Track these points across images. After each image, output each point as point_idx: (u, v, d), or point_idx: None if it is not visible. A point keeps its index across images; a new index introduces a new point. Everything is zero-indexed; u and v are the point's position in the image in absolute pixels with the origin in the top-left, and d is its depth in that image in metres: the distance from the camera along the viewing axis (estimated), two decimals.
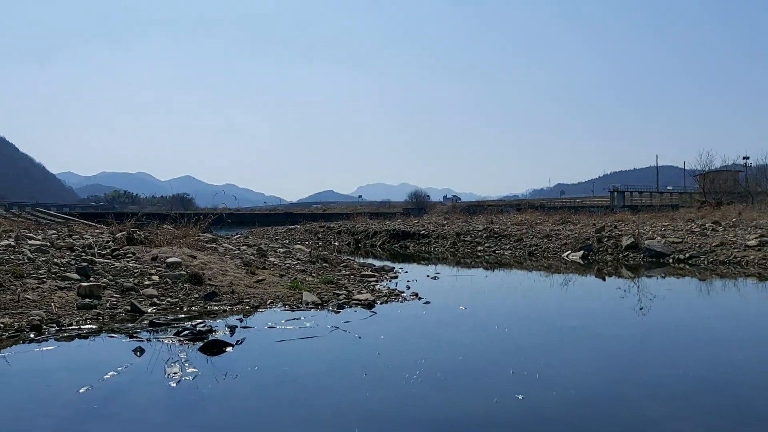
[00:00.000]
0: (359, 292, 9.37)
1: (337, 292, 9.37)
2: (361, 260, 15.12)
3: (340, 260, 12.94)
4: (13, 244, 9.99)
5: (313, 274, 10.78)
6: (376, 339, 6.63)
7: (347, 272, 11.53)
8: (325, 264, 11.92)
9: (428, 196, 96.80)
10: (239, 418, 4.18)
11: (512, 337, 6.98)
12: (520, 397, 4.50)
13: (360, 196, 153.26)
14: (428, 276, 12.58)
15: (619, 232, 17.71)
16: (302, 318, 7.52)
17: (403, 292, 9.73)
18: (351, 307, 8.42)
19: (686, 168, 73.90)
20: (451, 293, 10.60)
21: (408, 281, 11.29)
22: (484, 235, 20.44)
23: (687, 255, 14.92)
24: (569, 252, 16.96)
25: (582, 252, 16.47)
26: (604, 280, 12.98)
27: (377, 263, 14.59)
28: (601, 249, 16.56)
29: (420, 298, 9.24)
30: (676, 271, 13.58)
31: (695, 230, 17.61)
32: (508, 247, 18.98)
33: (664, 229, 18.37)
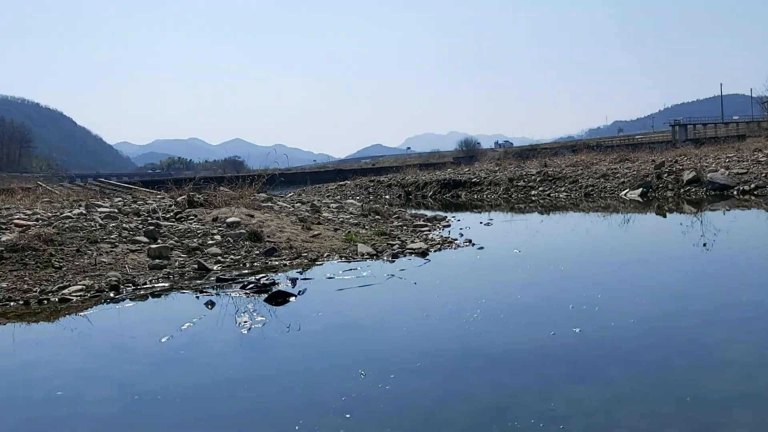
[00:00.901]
0: (412, 242, 9.55)
1: (391, 242, 9.57)
2: (413, 211, 15.27)
3: (392, 212, 13.13)
4: (84, 212, 10.56)
5: (367, 227, 11.01)
6: (432, 284, 6.82)
7: (400, 223, 11.72)
8: (377, 216, 12.13)
9: (479, 143, 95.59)
10: (308, 359, 4.46)
11: (570, 276, 7.05)
12: (576, 330, 4.62)
13: (408, 148, 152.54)
14: (481, 223, 12.65)
15: (680, 167, 17.22)
16: (359, 268, 7.76)
17: (456, 240, 9.86)
18: (405, 256, 8.61)
19: (753, 95, 70.32)
20: (505, 238, 10.67)
21: (461, 229, 11.39)
22: (538, 179, 20.23)
23: (752, 186, 14.45)
24: (627, 190, 16.66)
25: (641, 189, 16.16)
26: (664, 216, 12.77)
27: (429, 213, 14.72)
28: (660, 185, 16.19)
29: (473, 244, 9.36)
30: (741, 203, 13.22)
31: (761, 160, 16.95)
32: (563, 189, 18.77)
33: (729, 161, 17.75)
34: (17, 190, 17.91)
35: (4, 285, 6.98)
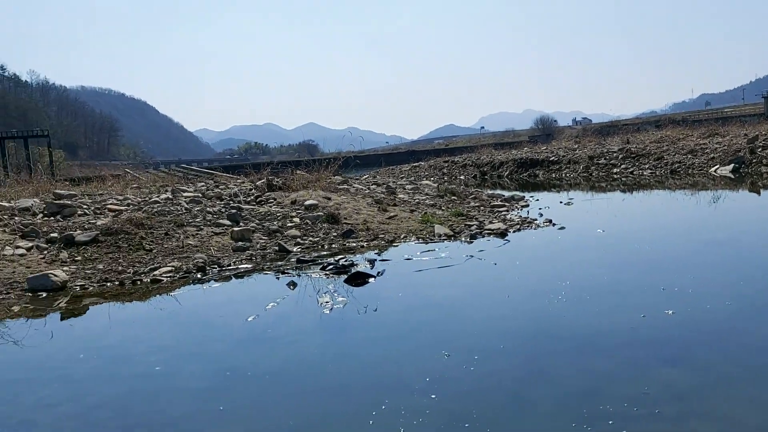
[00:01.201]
0: (490, 222, 9.41)
1: (468, 223, 9.47)
2: (489, 192, 15.05)
3: (469, 193, 12.99)
4: (170, 197, 11.02)
5: (443, 208, 10.94)
6: (512, 265, 6.70)
7: (476, 204, 11.58)
8: (453, 197, 12.03)
9: (555, 121, 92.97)
10: (390, 339, 4.48)
11: (658, 257, 6.75)
12: (669, 312, 4.42)
13: (482, 128, 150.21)
14: (561, 202, 12.31)
15: None
16: (436, 249, 7.73)
17: (535, 220, 9.64)
18: (483, 236, 8.50)
19: None
20: (587, 218, 10.35)
21: (540, 209, 11.13)
22: (620, 156, 19.47)
23: None
24: (717, 167, 15.78)
25: (732, 165, 15.27)
26: (759, 193, 12.02)
27: (506, 193, 14.47)
28: (754, 161, 15.24)
29: (554, 224, 9.12)
30: None
31: None
32: (647, 166, 17.99)
33: None
34: (108, 177, 18.87)
35: (100, 266, 7.39)
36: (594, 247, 7.57)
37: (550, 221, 9.36)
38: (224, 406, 3.44)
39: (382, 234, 8.82)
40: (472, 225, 9.25)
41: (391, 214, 9.94)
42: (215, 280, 6.77)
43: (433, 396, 3.34)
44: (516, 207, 11.55)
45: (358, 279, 6.27)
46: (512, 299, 5.19)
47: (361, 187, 12.55)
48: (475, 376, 3.59)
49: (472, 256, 7.13)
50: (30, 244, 7.99)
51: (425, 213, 10.18)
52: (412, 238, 8.57)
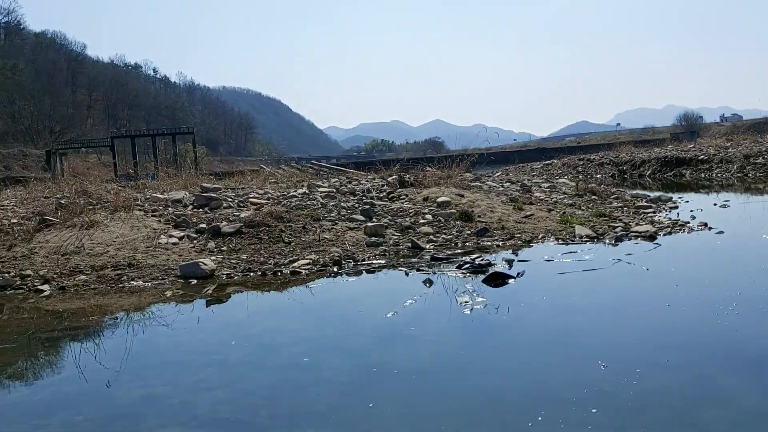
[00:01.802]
0: (637, 224, 8.79)
1: (612, 224, 8.91)
2: (631, 192, 14.14)
3: (610, 192, 12.27)
4: (306, 192, 11.35)
5: (582, 208, 10.40)
6: (667, 271, 6.17)
7: (619, 204, 10.89)
8: (593, 197, 11.41)
9: (701, 117, 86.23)
10: (536, 344, 4.25)
11: None
12: None
13: (618, 125, 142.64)
14: (715, 204, 11.28)
15: None
16: (579, 251, 7.32)
17: (688, 223, 8.87)
18: (630, 239, 7.95)
19: None
20: (748, 221, 9.39)
21: (691, 211, 10.25)
22: None
23: None
24: None
25: None
26: None
27: (650, 194, 13.52)
28: None
29: (710, 228, 8.35)
30: None
31: None
32: None
33: None
34: (246, 172, 19.88)
35: (244, 257, 7.72)
36: (763, 255, 6.81)
37: (705, 224, 8.57)
38: (371, 402, 3.39)
39: (519, 233, 8.51)
40: (617, 226, 8.68)
41: (528, 212, 9.58)
42: (349, 274, 6.84)
43: (593, 410, 3.09)
44: (663, 208, 10.73)
45: (497, 279, 6.05)
46: (673, 309, 4.74)
47: (494, 184, 12.24)
48: (638, 392, 3.28)
49: (619, 260, 6.66)
50: (182, 234, 8.53)
51: (564, 212, 9.71)
52: (551, 239, 8.19)
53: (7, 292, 6.78)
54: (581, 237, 8.14)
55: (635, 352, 3.92)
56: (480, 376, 3.72)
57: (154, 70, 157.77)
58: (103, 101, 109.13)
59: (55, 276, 7.17)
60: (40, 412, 3.52)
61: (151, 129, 78.52)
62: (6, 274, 7.18)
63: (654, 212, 10.12)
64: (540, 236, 8.35)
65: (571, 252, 7.30)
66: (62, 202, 9.76)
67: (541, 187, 12.37)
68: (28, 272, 7.24)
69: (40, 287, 6.85)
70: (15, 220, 9.21)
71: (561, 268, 6.49)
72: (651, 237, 7.94)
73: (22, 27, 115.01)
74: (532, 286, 5.83)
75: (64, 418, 3.41)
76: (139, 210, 9.59)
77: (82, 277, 7.16)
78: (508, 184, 12.49)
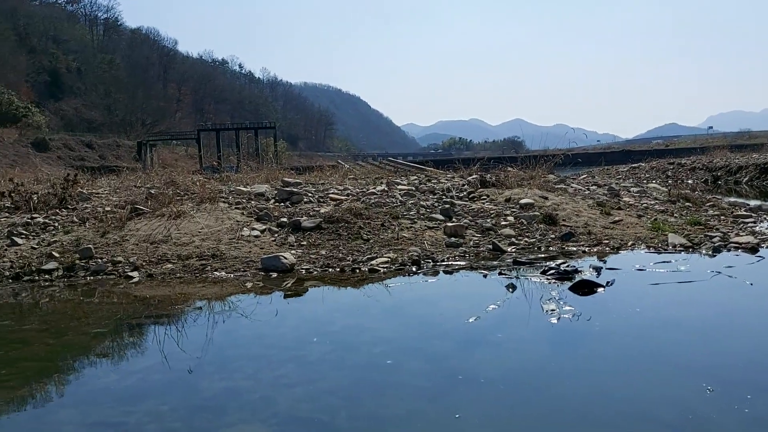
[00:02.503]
0: (737, 234, 8.21)
1: (709, 234, 8.35)
2: (726, 199, 13.29)
3: (705, 199, 11.56)
4: (385, 189, 11.30)
5: (675, 215, 9.83)
6: None
7: (715, 212, 10.23)
8: (687, 203, 10.78)
9: None
10: (628, 360, 3.99)
11: None
12: None
13: (710, 128, 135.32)
14: None
15: None
16: (673, 261, 6.90)
17: None
18: (729, 250, 7.43)
19: None
20: None
21: None
22: None
23: None
24: None
25: None
26: None
27: (750, 202, 12.65)
28: None
29: None
30: None
31: None
32: None
33: None
34: (325, 167, 20.09)
35: (323, 252, 7.74)
36: None
37: None
38: (455, 410, 3.26)
39: (606, 239, 8.12)
40: (714, 236, 8.13)
41: (616, 218, 9.14)
42: (430, 274, 6.71)
43: None
44: (765, 219, 9.99)
45: (585, 287, 5.77)
46: None
47: (579, 187, 11.78)
48: (750, 421, 2.99)
49: (719, 273, 6.21)
50: (263, 227, 8.65)
51: (655, 219, 9.21)
52: (642, 247, 7.77)
53: (100, 277, 7.07)
54: (675, 246, 7.68)
55: (744, 375, 3.60)
56: (570, 390, 3.51)
57: (240, 66, 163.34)
58: (191, 95, 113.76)
59: (143, 263, 7.43)
60: (127, 399, 3.59)
61: (235, 123, 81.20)
62: (99, 260, 7.50)
63: (754, 222, 9.43)
64: (629, 243, 7.94)
65: (664, 261, 6.89)
66: (152, 192, 10.13)
67: (629, 191, 11.80)
68: (120, 259, 7.53)
69: (130, 273, 7.12)
70: (109, 208, 9.64)
71: (654, 278, 6.12)
72: (753, 249, 7.39)
73: (119, 23, 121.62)
74: (623, 297, 5.52)
75: (150, 406, 3.46)
76: (224, 202, 9.82)
77: (169, 265, 7.39)
78: (594, 187, 11.99)
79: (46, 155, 56.52)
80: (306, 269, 7.07)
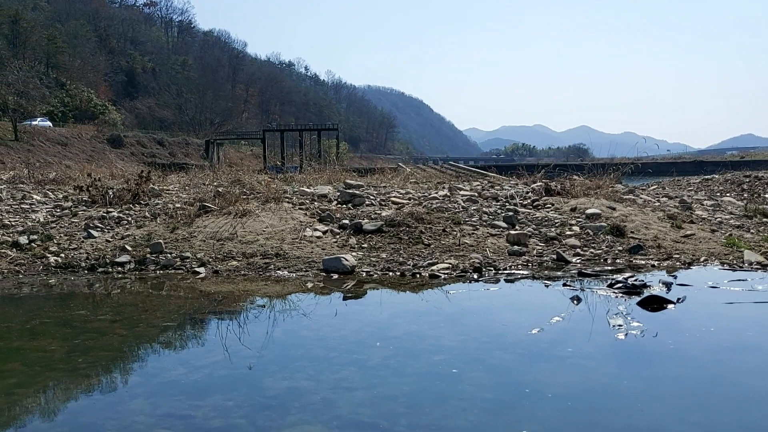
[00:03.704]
0: None
1: None
2: None
3: None
4: (447, 194, 11.25)
5: (751, 231, 9.36)
6: None
7: None
8: (765, 219, 10.25)
9: None
10: (705, 384, 3.82)
11: None
12: None
13: None
14: None
15: None
16: (749, 279, 6.58)
17: None
18: None
19: None
20: None
21: None
22: None
23: None
24: None
25: None
26: None
27: None
28: None
29: None
30: None
31: None
32: None
33: None
34: (386, 170, 20.14)
35: (383, 256, 7.77)
36: None
37: None
38: (519, 426, 3.20)
39: (677, 254, 7.82)
40: None
41: (688, 231, 8.79)
42: (491, 282, 6.63)
43: None
44: None
45: (654, 303, 5.57)
46: None
47: (649, 198, 11.39)
48: None
49: None
50: (326, 228, 8.76)
51: (730, 235, 8.80)
52: (715, 263, 7.44)
53: (169, 271, 7.32)
54: (751, 263, 7.32)
55: None
56: (637, 411, 3.39)
57: (306, 69, 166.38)
58: (258, 96, 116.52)
59: (210, 260, 7.64)
60: (195, 393, 3.69)
61: (299, 124, 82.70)
62: (168, 255, 7.76)
63: None
64: (702, 259, 7.62)
65: (739, 279, 6.57)
66: (220, 190, 10.42)
67: (702, 204, 11.33)
68: (188, 254, 7.78)
69: (197, 269, 7.33)
70: (179, 205, 9.97)
71: (728, 297, 5.85)
72: None
73: (192, 26, 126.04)
74: (695, 315, 5.30)
75: (216, 401, 3.55)
76: (288, 202, 10.00)
77: (234, 262, 7.57)
78: (665, 199, 11.57)
79: (120, 151, 59.02)
80: (366, 272, 7.11)
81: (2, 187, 13.04)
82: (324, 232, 8.62)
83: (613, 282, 6.34)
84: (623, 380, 3.90)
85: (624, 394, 3.65)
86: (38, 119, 54.48)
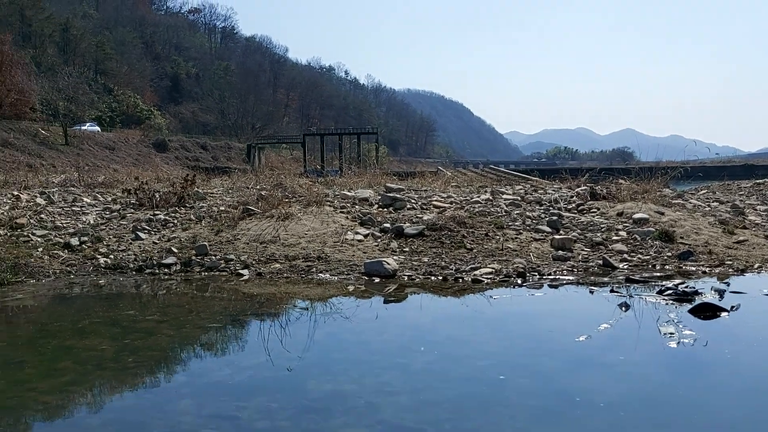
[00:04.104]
0: None
1: None
2: None
3: None
4: (490, 198, 11.13)
5: None
6: None
7: None
8: None
9: None
10: (757, 392, 3.66)
11: None
12: None
13: None
14: None
15: None
16: None
17: None
18: None
19: None
20: None
21: None
22: None
23: None
24: None
25: None
26: None
27: None
28: None
29: None
30: None
31: None
32: None
33: None
34: (426, 174, 20.08)
35: (425, 260, 7.72)
36: None
37: None
38: None
39: (729, 260, 7.57)
40: None
41: (740, 237, 8.50)
42: (535, 288, 6.52)
43: None
44: None
45: (706, 311, 5.39)
46: None
47: (698, 203, 11.07)
48: None
49: None
50: (367, 232, 8.76)
51: None
52: None
53: (213, 273, 7.43)
54: None
55: None
56: (692, 424, 3.27)
57: (346, 73, 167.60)
58: (298, 101, 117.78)
59: (253, 262, 7.73)
60: (240, 395, 3.72)
61: (339, 128, 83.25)
62: (213, 257, 7.88)
63: None
64: (756, 266, 7.36)
65: None
66: (263, 194, 10.54)
67: (755, 209, 10.95)
68: (232, 257, 7.88)
69: (241, 271, 7.42)
70: (223, 208, 10.13)
71: None
72: None
73: (235, 32, 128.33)
74: (751, 324, 5.11)
75: (261, 403, 3.57)
76: (329, 206, 10.04)
77: (277, 265, 7.64)
78: (715, 203, 11.23)
79: (164, 155, 60.39)
80: (408, 276, 7.08)
81: (54, 190, 13.48)
82: (365, 236, 8.62)
83: (662, 289, 6.16)
84: (678, 390, 3.77)
85: (680, 404, 3.52)
86: (87, 124, 56.21)
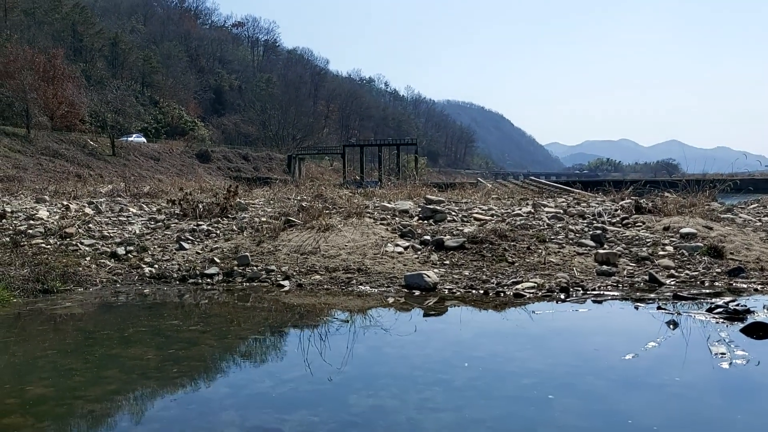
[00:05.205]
0: None
1: None
2: None
3: None
4: (531, 211, 10.99)
5: None
6: None
7: None
8: None
9: None
10: None
11: None
12: None
13: None
14: None
15: None
16: None
17: None
18: None
19: None
20: None
21: None
22: None
23: None
24: None
25: None
26: None
27: None
28: None
29: None
30: None
31: None
32: None
33: None
34: (466, 185, 19.96)
35: (466, 273, 7.65)
36: None
37: None
38: None
39: None
40: None
41: None
42: (578, 303, 6.39)
43: None
44: None
45: (759, 331, 5.18)
46: None
47: (749, 217, 10.72)
48: None
49: None
50: (407, 244, 8.74)
51: None
52: None
53: (254, 284, 7.50)
54: None
55: None
56: None
57: (386, 84, 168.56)
58: (338, 112, 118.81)
59: (294, 273, 7.78)
60: (282, 407, 3.73)
61: (378, 139, 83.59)
62: (255, 267, 7.96)
63: None
64: None
65: None
66: (303, 205, 10.62)
67: None
68: (273, 267, 7.95)
69: (281, 282, 7.48)
70: (264, 219, 10.24)
71: None
72: None
73: (277, 45, 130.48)
74: None
75: (303, 416, 3.57)
76: (369, 217, 10.06)
77: (317, 276, 7.67)
78: (767, 218, 10.85)
79: (207, 166, 61.60)
80: (449, 289, 7.02)
81: (102, 200, 13.86)
82: (405, 248, 8.60)
83: (712, 306, 5.96)
84: (729, 414, 3.63)
85: (731, 429, 3.38)
86: (134, 135, 57.77)
